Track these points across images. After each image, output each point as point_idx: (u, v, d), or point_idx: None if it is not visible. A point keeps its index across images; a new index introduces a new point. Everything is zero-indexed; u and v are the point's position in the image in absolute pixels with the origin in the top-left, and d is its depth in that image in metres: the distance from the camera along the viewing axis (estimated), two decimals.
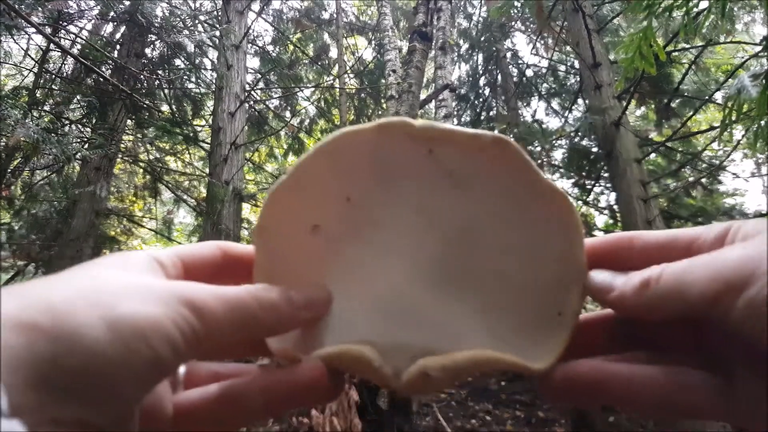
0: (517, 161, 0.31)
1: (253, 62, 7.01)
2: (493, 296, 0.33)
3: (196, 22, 4.96)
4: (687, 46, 5.49)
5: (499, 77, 7.21)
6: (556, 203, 0.31)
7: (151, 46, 5.28)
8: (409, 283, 0.33)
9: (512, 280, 0.33)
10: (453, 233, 0.33)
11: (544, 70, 7.37)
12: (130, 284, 0.26)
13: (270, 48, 6.78)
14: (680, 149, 5.75)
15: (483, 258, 0.33)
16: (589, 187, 6.15)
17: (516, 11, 6.71)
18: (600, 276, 0.32)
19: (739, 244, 0.26)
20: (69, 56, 4.78)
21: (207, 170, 5.14)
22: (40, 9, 4.43)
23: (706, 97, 4.60)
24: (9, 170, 4.56)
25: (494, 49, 7.06)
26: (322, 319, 0.33)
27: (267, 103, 6.64)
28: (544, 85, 7.40)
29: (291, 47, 7.08)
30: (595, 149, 5.72)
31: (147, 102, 4.75)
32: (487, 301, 0.33)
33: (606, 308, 0.32)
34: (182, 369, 0.33)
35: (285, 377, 0.30)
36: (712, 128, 5.28)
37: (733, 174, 6.04)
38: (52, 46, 4.49)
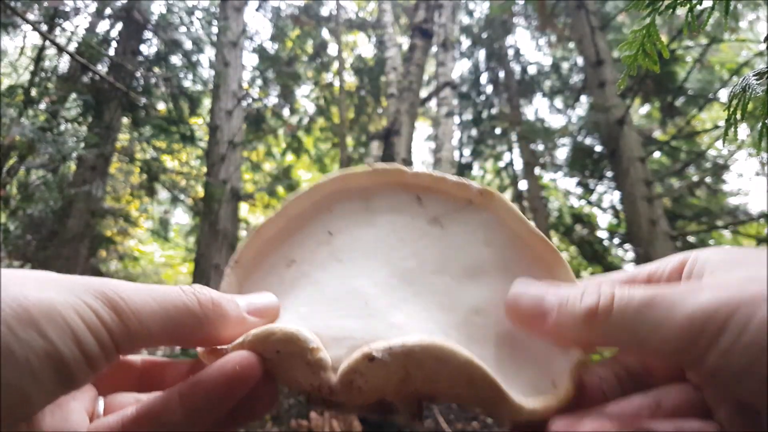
0: (504, 213, 0.32)
1: (251, 59, 6.98)
2: (470, 329, 0.31)
3: (193, 18, 4.93)
4: (691, 43, 5.45)
5: (501, 74, 7.17)
6: (544, 258, 0.31)
7: (148, 43, 5.25)
8: (372, 287, 0.32)
9: (493, 326, 0.32)
10: (429, 264, 0.33)
11: (546, 68, 7.34)
12: (31, 275, 0.24)
13: (268, 45, 6.73)
14: (684, 148, 5.72)
15: (459, 290, 0.32)
16: (592, 186, 6.13)
17: (518, 7, 6.68)
18: (527, 290, 0.28)
19: (706, 283, 0.24)
20: (65, 54, 4.75)
21: (204, 169, 5.12)
22: (36, 6, 4.42)
23: (711, 96, 4.56)
24: (4, 169, 4.53)
25: (496, 45, 7.02)
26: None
27: (265, 101, 6.60)
28: (547, 82, 7.36)
29: (289, 44, 7.04)
30: (598, 148, 5.69)
31: (143, 100, 4.72)
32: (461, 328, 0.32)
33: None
34: (101, 401, 0.31)
35: (206, 375, 0.27)
36: (716, 127, 5.25)
37: (738, 173, 6.01)
38: (47, 43, 4.47)
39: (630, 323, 0.24)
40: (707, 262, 0.26)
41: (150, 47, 5.28)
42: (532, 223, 0.31)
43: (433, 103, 6.11)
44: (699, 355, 0.22)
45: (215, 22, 5.22)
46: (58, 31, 5.02)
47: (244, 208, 6.78)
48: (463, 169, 7.25)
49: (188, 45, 5.02)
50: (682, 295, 0.23)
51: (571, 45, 6.01)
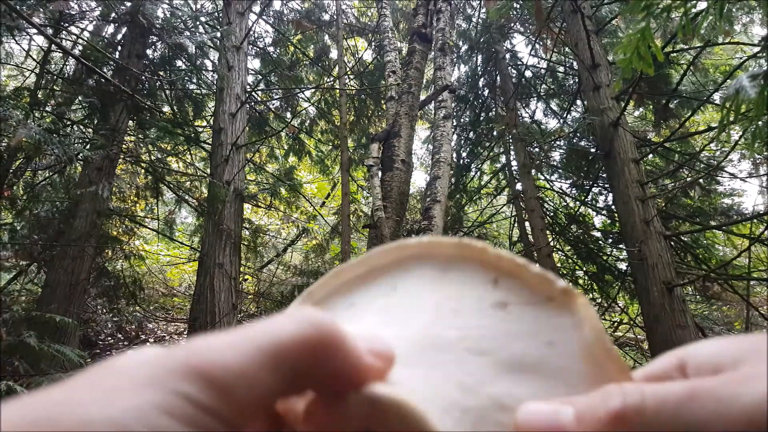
0: (583, 319, 0.29)
1: (254, 63, 7.04)
2: (481, 421, 0.28)
3: (197, 23, 4.98)
4: (685, 46, 5.51)
5: (498, 78, 7.23)
6: (611, 382, 0.27)
7: (153, 47, 5.29)
8: (394, 339, 0.30)
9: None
10: (471, 342, 0.31)
11: (543, 71, 7.40)
12: (110, 378, 0.20)
13: (271, 49, 6.80)
14: (678, 150, 5.77)
15: (492, 377, 0.29)
16: (587, 187, 6.17)
17: (515, 12, 6.74)
18: (539, 406, 0.25)
19: (750, 373, 0.22)
20: (70, 57, 4.80)
21: (208, 171, 5.15)
22: (41, 10, 4.44)
23: (705, 98, 4.62)
24: (11, 170, 4.57)
25: (493, 50, 7.08)
26: None
27: (268, 104, 6.66)
28: (543, 86, 7.42)
29: (291, 48, 7.10)
30: (593, 150, 5.75)
31: (148, 103, 4.76)
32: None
33: None
34: None
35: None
36: (710, 129, 5.30)
37: (731, 174, 6.07)
38: (53, 47, 4.51)
39: (671, 420, 0.21)
40: (719, 355, 0.24)
41: (155, 51, 5.32)
42: (610, 343, 0.28)
43: (431, 107, 6.17)
44: None
45: (219, 27, 5.27)
46: (63, 34, 5.06)
47: (247, 208, 6.84)
48: (461, 171, 7.33)
49: (192, 49, 5.05)
50: (729, 387, 0.21)
51: (567, 49, 6.08)
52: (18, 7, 4.04)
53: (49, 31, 4.59)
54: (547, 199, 7.04)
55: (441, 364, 0.29)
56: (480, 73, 7.61)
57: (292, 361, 0.22)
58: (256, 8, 5.94)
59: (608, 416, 0.22)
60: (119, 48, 5.29)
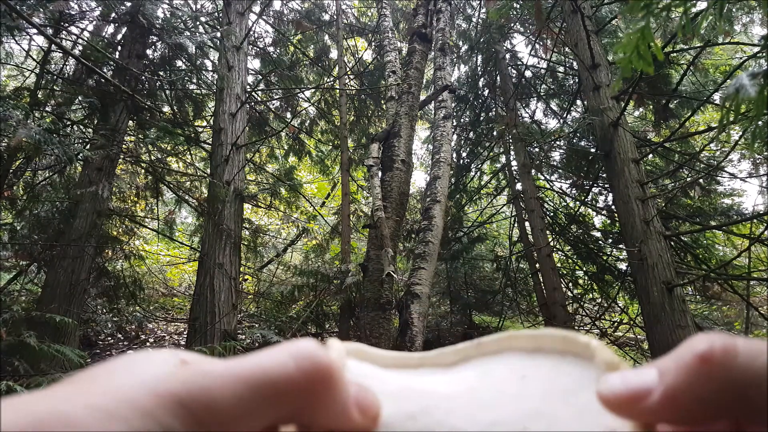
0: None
1: (254, 63, 7.04)
2: None
3: (197, 23, 4.98)
4: (685, 46, 5.51)
5: (498, 78, 7.23)
6: None
7: (153, 47, 5.29)
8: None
9: None
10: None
11: (542, 71, 7.40)
12: (94, 396, 0.20)
13: (271, 49, 6.80)
14: (678, 150, 5.78)
15: None
16: (587, 187, 6.18)
17: (515, 12, 6.74)
18: (618, 378, 0.24)
19: None
20: (70, 57, 4.81)
21: (208, 171, 5.16)
22: (41, 10, 4.44)
23: (705, 98, 4.62)
24: (11, 170, 4.58)
25: (493, 50, 7.08)
26: None
27: (268, 104, 6.66)
28: (543, 86, 7.43)
29: (291, 48, 7.11)
30: (593, 150, 5.76)
31: (148, 103, 4.77)
32: None
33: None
34: None
35: None
36: (710, 129, 5.31)
37: (731, 174, 6.07)
38: (53, 47, 4.51)
39: (760, 367, 0.20)
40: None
41: (155, 51, 5.32)
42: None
43: (431, 107, 6.17)
44: None
45: (219, 27, 5.27)
46: (64, 34, 5.06)
47: (247, 208, 6.85)
48: (461, 171, 7.33)
49: (192, 49, 5.05)
50: None
51: (567, 49, 6.08)
52: (18, 7, 4.04)
53: (49, 31, 4.60)
54: (547, 199, 7.05)
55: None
56: (480, 73, 7.62)
57: (275, 393, 0.22)
58: (256, 8, 5.94)
59: (695, 358, 0.21)
60: (119, 48, 5.29)
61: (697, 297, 5.84)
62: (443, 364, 0.34)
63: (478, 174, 8.03)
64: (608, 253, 6.36)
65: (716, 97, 4.49)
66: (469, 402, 0.29)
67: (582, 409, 0.26)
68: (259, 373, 0.22)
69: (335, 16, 6.63)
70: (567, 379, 0.28)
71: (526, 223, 6.51)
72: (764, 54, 3.41)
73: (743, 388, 0.20)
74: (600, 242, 6.41)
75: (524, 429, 0.26)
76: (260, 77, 6.61)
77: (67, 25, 4.96)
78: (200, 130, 5.85)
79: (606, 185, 5.93)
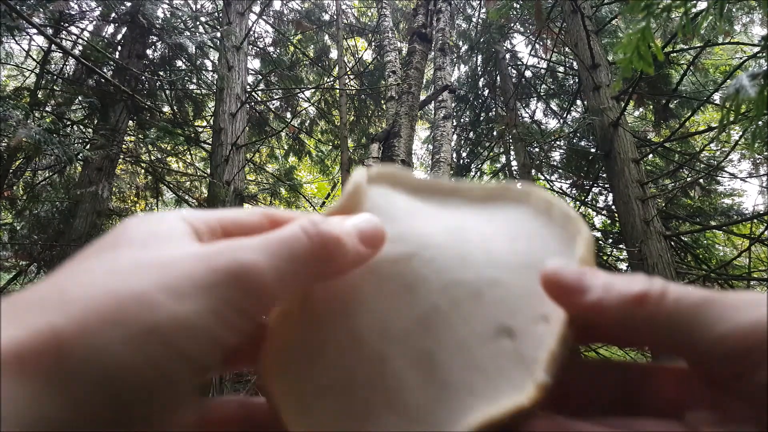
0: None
1: (254, 63, 7.04)
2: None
3: (197, 23, 4.97)
4: (685, 46, 5.51)
5: (498, 78, 7.22)
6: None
7: (153, 47, 5.28)
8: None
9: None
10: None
11: (542, 71, 7.39)
12: (153, 270, 0.21)
13: (271, 49, 6.80)
14: (678, 150, 5.77)
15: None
16: (587, 187, 6.17)
17: (515, 12, 6.73)
18: (566, 268, 0.26)
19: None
20: (70, 57, 4.80)
21: (208, 171, 5.15)
22: (41, 10, 4.43)
23: (705, 98, 4.61)
24: (11, 171, 4.57)
25: (493, 50, 7.07)
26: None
27: (268, 104, 6.66)
28: (543, 86, 7.42)
29: (291, 48, 7.10)
30: (593, 150, 5.75)
31: (148, 103, 4.76)
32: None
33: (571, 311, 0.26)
34: None
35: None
36: (710, 129, 5.30)
37: (731, 174, 6.06)
38: (53, 47, 4.50)
39: (684, 315, 0.22)
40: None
41: (155, 51, 5.31)
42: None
43: (431, 107, 6.17)
44: (753, 365, 0.21)
45: (219, 27, 5.27)
46: (63, 34, 5.05)
47: (247, 208, 6.80)
48: (461, 171, 7.32)
49: (192, 49, 5.05)
50: (743, 302, 0.22)
51: (567, 49, 6.08)
52: (18, 7, 4.03)
53: (50, 31, 4.59)
54: None
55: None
56: (480, 73, 7.60)
57: (301, 262, 0.25)
58: (256, 8, 5.94)
59: (631, 295, 0.23)
60: (119, 48, 5.29)
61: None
62: (471, 197, 0.38)
63: (478, 174, 8.02)
64: (608, 252, 6.36)
65: (716, 97, 4.49)
66: (452, 256, 0.31)
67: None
68: (285, 245, 0.25)
69: (335, 16, 6.63)
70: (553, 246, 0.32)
71: None
72: (764, 54, 3.41)
73: (661, 331, 0.23)
74: (600, 242, 6.40)
75: (479, 292, 0.30)
76: (260, 77, 6.60)
77: (67, 25, 4.95)
78: (200, 130, 5.84)
79: (606, 185, 5.92)
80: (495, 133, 7.13)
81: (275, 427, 0.27)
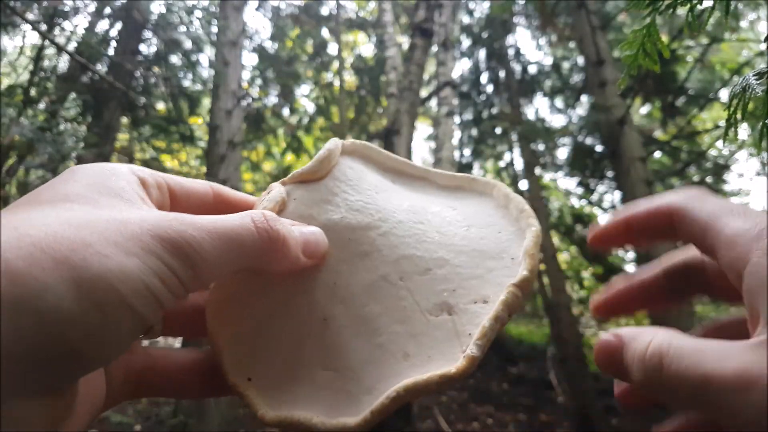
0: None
1: (251, 59, 6.97)
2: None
3: (193, 18, 4.92)
4: (692, 43, 5.44)
5: (502, 74, 7.15)
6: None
7: (147, 42, 5.23)
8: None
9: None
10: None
11: (547, 67, 7.32)
12: (104, 227, 0.23)
13: (268, 44, 6.72)
14: (685, 148, 5.71)
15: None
16: (593, 186, 6.12)
17: (519, 7, 6.67)
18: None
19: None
20: (64, 53, 4.74)
21: (204, 169, 5.11)
22: (35, 6, 4.41)
23: (711, 96, 4.54)
24: (4, 169, 4.52)
25: (497, 45, 7.00)
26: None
27: (265, 100, 6.59)
28: (548, 82, 7.34)
29: (289, 44, 7.02)
30: (599, 148, 5.69)
31: (143, 100, 4.71)
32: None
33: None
34: None
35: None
36: (717, 127, 5.24)
37: (738, 173, 6.00)
38: (47, 43, 4.46)
39: (683, 373, 0.23)
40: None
41: (149, 47, 5.26)
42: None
43: (433, 103, 6.10)
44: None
45: (215, 22, 5.21)
46: (57, 30, 5.00)
47: None
48: (464, 169, 7.25)
49: (188, 44, 5.00)
50: (728, 352, 0.22)
51: (572, 45, 6.00)
52: (11, 3, 4.02)
53: (43, 27, 4.55)
54: (552, 198, 6.99)
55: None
56: (483, 68, 7.54)
57: (243, 252, 0.27)
58: (253, 3, 5.86)
59: (640, 352, 0.25)
60: (113, 44, 5.24)
61: (704, 298, 5.77)
62: (439, 184, 0.40)
63: (482, 172, 7.98)
64: (615, 253, 6.30)
65: (723, 94, 4.42)
66: (409, 233, 0.33)
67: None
68: (232, 232, 0.26)
69: (334, 11, 6.55)
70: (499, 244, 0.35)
71: None
72: None
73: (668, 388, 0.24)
74: None
75: (427, 268, 0.33)
76: (257, 73, 6.53)
77: (60, 21, 4.90)
78: (195, 127, 5.79)
79: (612, 184, 5.87)
80: (499, 130, 7.07)
81: (218, 378, 0.30)
